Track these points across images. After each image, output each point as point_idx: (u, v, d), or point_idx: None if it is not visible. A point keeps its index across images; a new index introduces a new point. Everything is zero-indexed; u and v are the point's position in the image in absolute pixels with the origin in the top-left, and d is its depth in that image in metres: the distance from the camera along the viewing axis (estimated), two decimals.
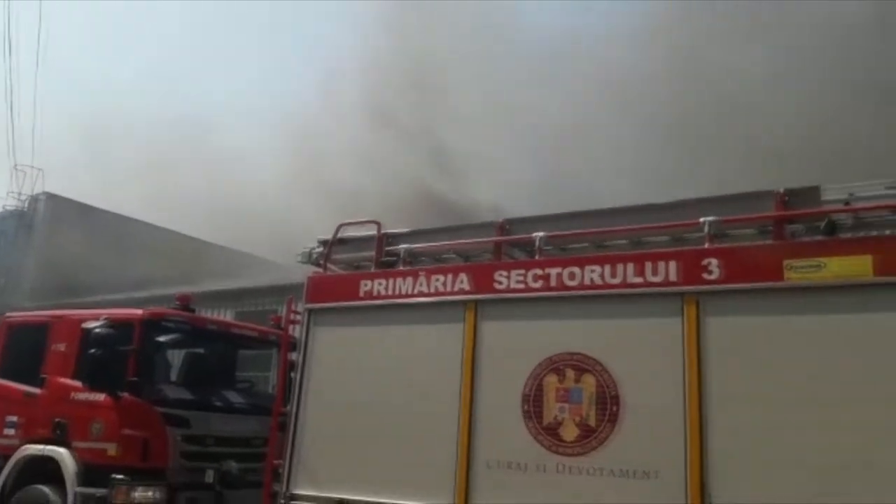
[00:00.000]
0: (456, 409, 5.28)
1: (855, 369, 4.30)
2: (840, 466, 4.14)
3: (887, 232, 4.84)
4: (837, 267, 4.46)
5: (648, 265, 5.01)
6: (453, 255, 6.25)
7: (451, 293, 5.61)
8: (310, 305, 6.15)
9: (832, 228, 4.83)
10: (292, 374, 6.22)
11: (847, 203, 4.99)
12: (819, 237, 4.79)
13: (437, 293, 5.67)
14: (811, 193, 5.00)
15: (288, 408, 6.03)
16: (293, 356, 6.33)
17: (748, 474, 4.34)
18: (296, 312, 6.41)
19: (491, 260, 5.91)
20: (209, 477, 6.84)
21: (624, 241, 5.67)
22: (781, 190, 5.06)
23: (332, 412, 5.83)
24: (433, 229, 6.48)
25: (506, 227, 5.99)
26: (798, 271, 4.55)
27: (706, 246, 4.98)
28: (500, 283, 5.47)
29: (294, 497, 5.74)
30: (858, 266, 4.41)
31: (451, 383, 5.35)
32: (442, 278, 5.70)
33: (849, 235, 4.96)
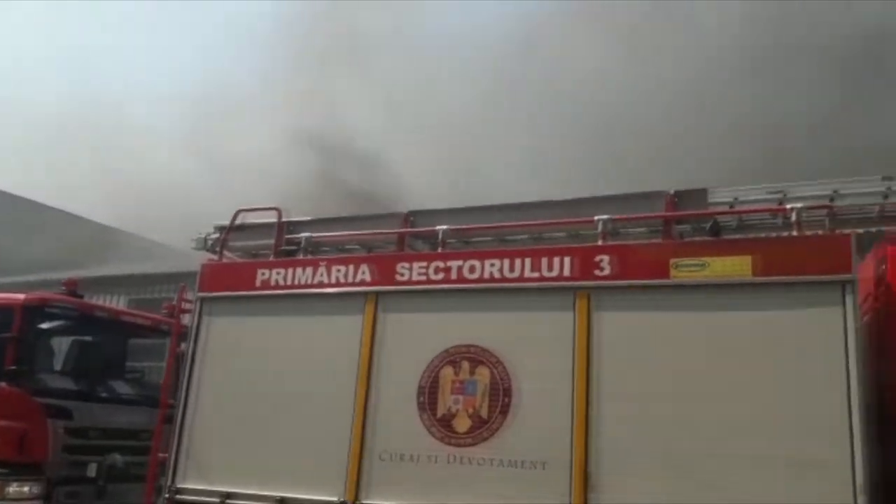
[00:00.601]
0: (351, 402, 5.24)
1: (734, 364, 4.51)
2: (717, 456, 4.34)
3: (771, 234, 5.13)
4: (719, 266, 4.68)
5: (544, 260, 5.11)
6: (356, 246, 6.20)
7: (352, 284, 5.56)
8: (202, 294, 5.96)
9: (717, 229, 5.07)
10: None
11: (732, 206, 5.26)
12: (704, 237, 5.03)
13: (337, 284, 5.61)
14: (699, 195, 5.24)
15: (176, 399, 5.83)
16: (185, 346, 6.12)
17: (630, 464, 4.50)
18: (187, 301, 6.20)
19: (394, 251, 5.89)
20: (91, 471, 6.54)
21: (525, 236, 5.78)
22: (671, 191, 5.28)
23: (223, 404, 5.67)
24: (336, 218, 6.40)
25: (410, 218, 5.99)
26: (683, 269, 4.75)
27: (599, 243, 5.13)
28: (402, 275, 5.45)
29: (179, 491, 5.55)
30: (739, 266, 4.63)
31: (348, 375, 5.31)
32: (343, 269, 5.64)
33: (734, 236, 5.24)
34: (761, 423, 4.32)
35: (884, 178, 5.00)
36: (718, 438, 4.36)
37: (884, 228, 5.15)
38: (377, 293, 5.45)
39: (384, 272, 5.48)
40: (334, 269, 5.64)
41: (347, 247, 6.20)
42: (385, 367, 5.28)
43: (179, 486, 5.57)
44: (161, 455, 5.77)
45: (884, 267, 4.76)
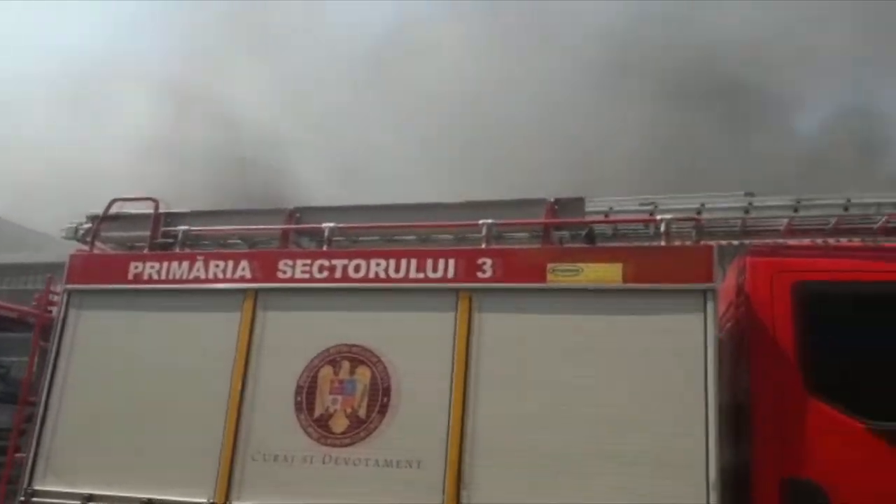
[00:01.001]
0: (224, 401, 5.11)
1: (604, 365, 4.71)
2: (585, 454, 4.52)
3: (644, 243, 5.40)
4: (593, 272, 4.87)
5: (429, 261, 5.16)
6: (238, 241, 6.05)
7: (230, 280, 5.41)
8: (70, 286, 5.64)
9: (592, 237, 5.30)
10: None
11: (607, 215, 5.52)
12: (580, 244, 5.23)
13: (215, 280, 5.45)
14: (577, 204, 5.45)
15: (38, 396, 5.49)
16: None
17: (503, 462, 4.62)
18: (55, 293, 5.86)
19: (277, 248, 5.79)
20: None
21: (412, 237, 5.82)
22: (552, 199, 5.46)
23: (89, 402, 5.39)
24: (217, 211, 6.22)
25: (296, 215, 5.90)
26: (559, 274, 4.91)
27: (483, 246, 5.23)
28: (284, 272, 5.36)
29: (36, 493, 5.23)
30: (610, 272, 4.84)
31: (223, 374, 5.17)
32: (221, 264, 5.48)
33: (609, 244, 5.49)
34: (626, 423, 4.53)
35: (746, 194, 5.38)
36: (587, 437, 4.53)
37: (746, 241, 5.54)
38: (257, 290, 5.33)
39: (265, 269, 5.37)
40: (212, 263, 5.48)
41: (229, 242, 6.04)
42: (263, 367, 5.18)
43: (36, 487, 5.24)
44: (18, 455, 5.42)
45: (743, 277, 5.09)
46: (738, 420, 5.04)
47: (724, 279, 5.38)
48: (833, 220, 5.27)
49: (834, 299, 4.72)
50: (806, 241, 5.24)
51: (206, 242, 6.00)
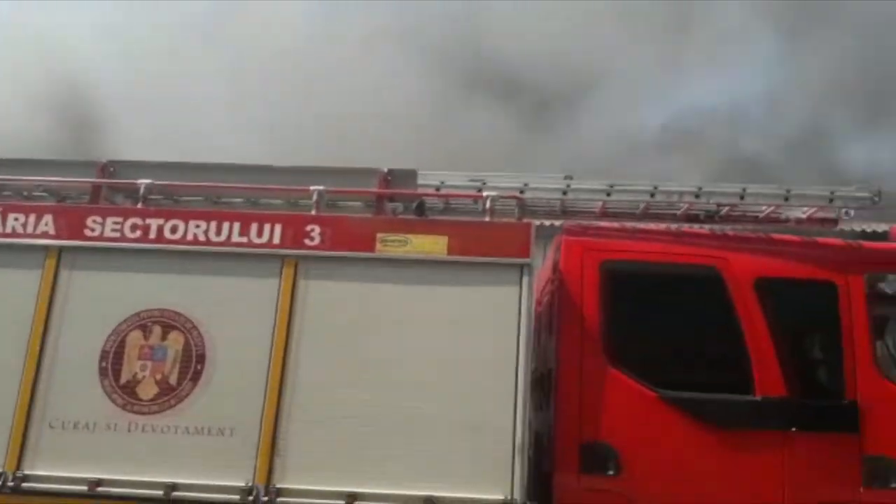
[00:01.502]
0: (20, 364, 4.70)
1: (426, 334, 4.81)
2: (397, 421, 4.61)
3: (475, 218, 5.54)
4: (419, 244, 4.94)
5: (254, 226, 5.01)
6: (45, 194, 5.55)
7: (31, 236, 4.96)
8: None
9: (422, 209, 5.39)
10: None
11: (438, 189, 5.63)
12: (409, 216, 5.30)
13: (14, 234, 4.97)
14: (409, 176, 5.51)
15: None
16: None
17: (319, 429, 4.62)
18: None
19: (87, 203, 5.37)
20: None
21: (240, 200, 5.62)
22: (385, 169, 5.48)
23: None
24: (22, 160, 5.67)
25: (109, 168, 5.50)
26: (388, 244, 4.95)
27: (313, 213, 5.15)
28: (93, 230, 4.99)
29: None
30: (435, 244, 4.94)
31: (18, 336, 4.75)
32: (21, 218, 5.01)
33: (437, 218, 5.60)
34: (441, 389, 4.66)
35: (565, 177, 5.68)
36: (401, 403, 4.63)
37: (564, 221, 5.87)
38: (60, 248, 4.92)
39: (72, 225, 4.97)
40: (11, 216, 4.99)
41: (34, 194, 5.53)
42: (65, 329, 4.81)
43: None
44: None
45: (558, 255, 5.39)
46: (548, 388, 5.38)
47: (547, 256, 5.68)
48: (642, 205, 5.71)
49: (635, 278, 5.13)
50: (616, 224, 5.63)
51: (8, 193, 5.46)
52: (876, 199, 5.38)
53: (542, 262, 5.77)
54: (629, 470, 4.65)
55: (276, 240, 4.98)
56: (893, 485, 4.61)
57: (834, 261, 5.08)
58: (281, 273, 4.91)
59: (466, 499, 4.46)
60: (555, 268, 5.50)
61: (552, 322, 5.33)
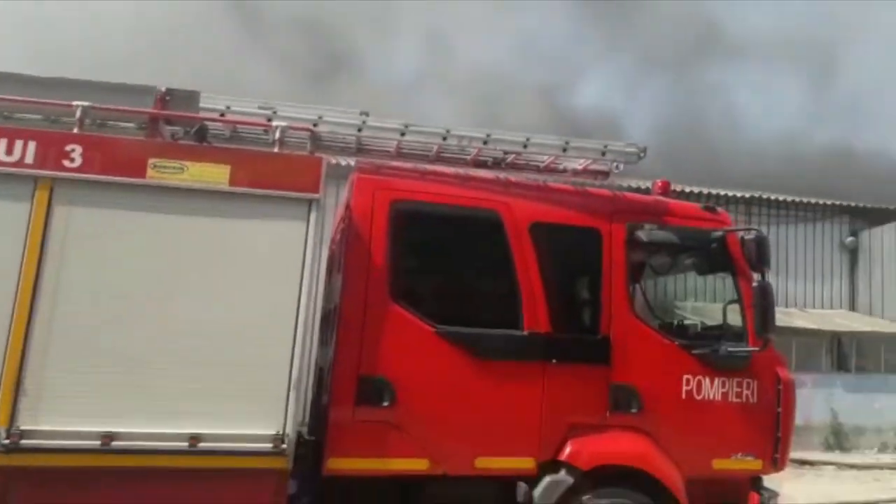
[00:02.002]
0: None
1: (202, 268, 4.56)
2: (165, 358, 4.37)
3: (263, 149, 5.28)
4: (198, 172, 4.63)
5: (3, 142, 4.41)
6: None
7: None
8: None
9: (203, 135, 5.05)
10: None
11: (223, 114, 5.29)
12: (188, 141, 4.94)
13: None
14: (191, 98, 5.12)
15: None
16: None
17: (75, 369, 4.26)
18: None
19: None
20: None
21: None
22: (163, 89, 5.05)
23: None
24: None
25: None
26: (161, 171, 4.58)
27: (75, 131, 4.63)
28: None
29: None
30: (216, 174, 4.66)
31: None
32: None
33: (219, 145, 5.28)
34: (220, 326, 4.48)
35: (361, 113, 5.57)
36: (172, 340, 4.39)
37: (359, 159, 5.79)
38: None
39: None
40: None
41: None
42: None
43: None
44: None
45: (349, 193, 5.33)
46: (329, 325, 5.37)
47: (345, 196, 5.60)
48: (435, 148, 5.77)
49: (423, 218, 5.22)
50: (408, 165, 5.67)
51: None
52: (642, 154, 5.86)
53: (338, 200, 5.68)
54: (403, 401, 4.80)
55: (29, 159, 4.43)
56: (634, 409, 5.20)
57: (601, 210, 5.51)
58: (33, 197, 4.39)
59: (236, 434, 4.37)
60: (346, 206, 5.45)
61: (341, 261, 5.30)
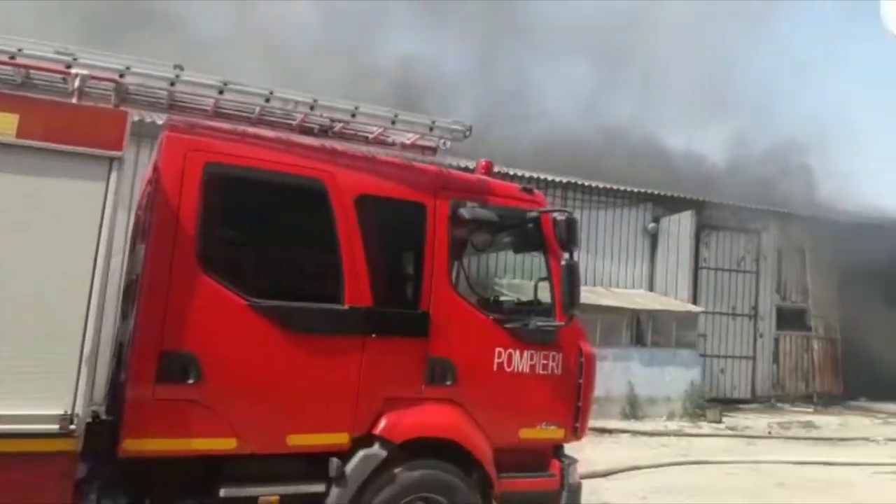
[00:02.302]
0: None
1: None
2: None
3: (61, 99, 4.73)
4: None
5: None
6: None
7: None
8: None
9: None
10: None
11: (13, 57, 4.69)
12: None
13: None
14: None
15: None
16: None
17: None
18: None
19: None
20: None
21: None
22: None
23: None
24: None
25: None
26: None
27: None
28: None
29: None
30: (2, 124, 4.12)
31: None
32: None
33: (4, 91, 4.68)
34: (3, 293, 3.98)
35: (175, 66, 5.15)
36: None
37: (171, 117, 5.37)
38: None
39: None
40: None
41: None
42: None
43: None
44: None
45: (158, 152, 4.94)
46: (130, 294, 4.97)
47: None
48: (257, 110, 5.49)
49: (240, 184, 4.95)
50: (226, 126, 5.34)
51: None
52: (467, 133, 5.96)
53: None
54: (210, 378, 4.55)
55: None
56: (449, 382, 5.32)
57: (427, 185, 5.54)
58: None
59: (18, 416, 3.92)
60: (154, 167, 5.05)
61: (145, 226, 4.91)
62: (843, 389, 22.96)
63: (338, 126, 5.82)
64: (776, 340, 22.43)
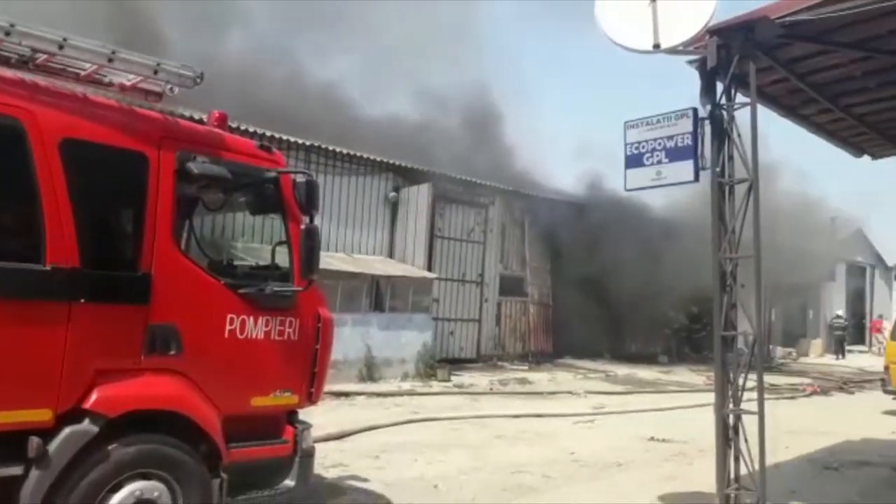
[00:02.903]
0: None
1: None
2: None
3: None
4: None
5: None
6: None
7: None
8: None
9: None
10: None
11: None
12: None
13: None
14: None
15: None
16: None
17: None
18: None
19: None
20: None
21: None
22: None
23: None
24: None
25: None
26: None
27: None
28: None
29: None
30: None
31: None
32: None
33: None
34: None
35: None
36: None
37: None
38: None
39: None
40: None
41: None
42: None
43: None
44: None
45: None
46: None
47: None
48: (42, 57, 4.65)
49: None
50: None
51: None
52: (198, 80, 5.45)
53: None
54: None
55: None
56: (173, 351, 4.90)
57: (150, 134, 4.98)
58: None
59: None
60: None
61: None
62: (553, 349, 25.77)
63: (41, 57, 4.99)
64: (499, 305, 24.40)
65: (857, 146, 10.23)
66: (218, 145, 5.36)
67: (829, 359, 34.95)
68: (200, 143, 5.27)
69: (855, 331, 42.34)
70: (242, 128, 15.88)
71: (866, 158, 10.65)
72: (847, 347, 36.46)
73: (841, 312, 37.76)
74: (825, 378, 24.39)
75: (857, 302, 45.03)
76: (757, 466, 5.96)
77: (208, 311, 5.12)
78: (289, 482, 5.51)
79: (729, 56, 6.28)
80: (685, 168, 6.57)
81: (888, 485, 8.80)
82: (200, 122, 6.95)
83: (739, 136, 6.42)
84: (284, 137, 18.38)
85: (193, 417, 4.88)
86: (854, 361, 32.75)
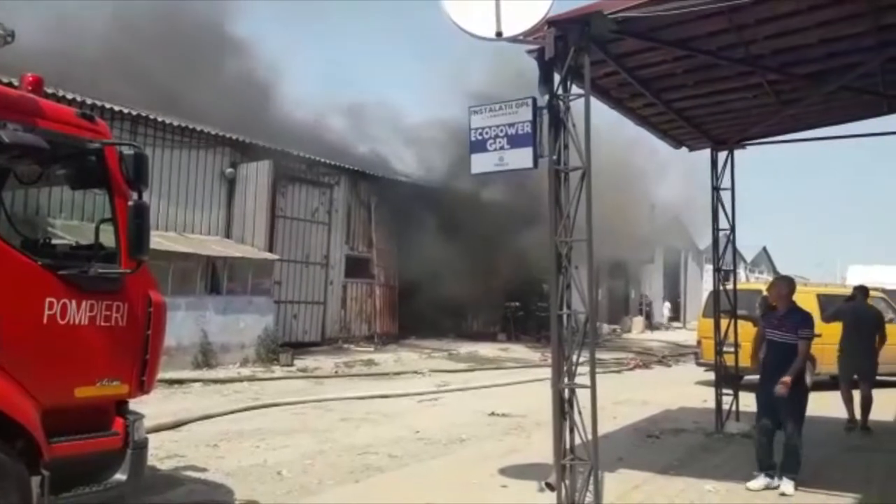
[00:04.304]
0: None
1: None
2: None
3: None
4: None
5: None
6: None
7: None
8: None
9: None
10: None
11: None
12: None
13: None
14: None
15: None
16: None
17: None
18: None
19: None
20: None
21: None
22: None
23: None
24: None
25: None
26: None
27: None
28: None
29: None
30: None
31: None
32: None
33: None
34: None
35: None
36: None
37: None
38: None
39: None
40: None
41: None
42: None
43: None
44: None
45: None
46: None
47: None
48: None
49: None
50: None
51: None
52: (9, 39, 4.87)
53: None
54: None
55: None
56: None
57: None
58: None
59: None
60: None
61: None
62: (399, 330, 26.04)
63: None
64: (344, 287, 24.25)
65: (676, 139, 11.16)
66: (32, 112, 4.82)
67: (648, 334, 38.21)
68: (11, 110, 4.71)
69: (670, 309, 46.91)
70: (60, 94, 14.52)
71: (684, 150, 11.65)
72: (661, 322, 40.94)
73: (647, 293, 42.95)
74: (646, 353, 26.54)
75: (673, 282, 49.43)
76: (590, 437, 6.33)
77: (23, 294, 4.63)
78: (120, 476, 5.14)
79: (566, 48, 6.54)
80: (525, 155, 6.79)
81: (703, 448, 9.71)
82: (11, 85, 6.26)
83: (574, 125, 6.73)
84: (108, 106, 16.98)
85: (6, 411, 4.41)
86: (671, 336, 35.97)
